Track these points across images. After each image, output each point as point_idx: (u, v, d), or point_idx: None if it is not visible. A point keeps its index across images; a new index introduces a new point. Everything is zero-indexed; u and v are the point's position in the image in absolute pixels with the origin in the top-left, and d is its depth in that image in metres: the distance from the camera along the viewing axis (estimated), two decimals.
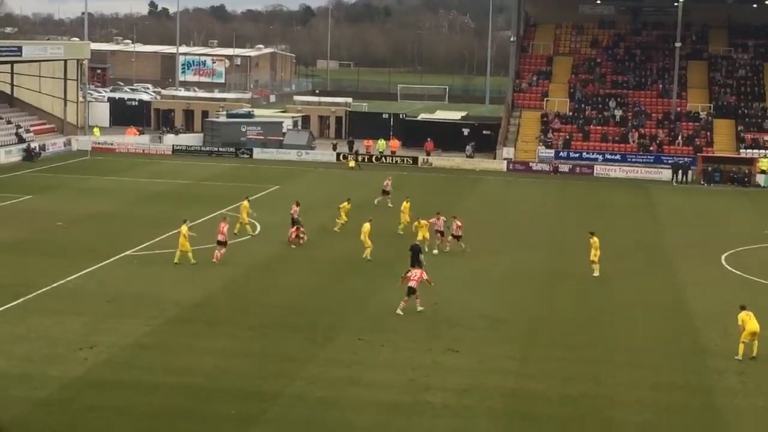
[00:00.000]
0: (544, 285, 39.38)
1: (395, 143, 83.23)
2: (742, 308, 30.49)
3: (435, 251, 43.51)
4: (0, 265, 39.52)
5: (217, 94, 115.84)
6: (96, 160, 74.30)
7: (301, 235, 44.75)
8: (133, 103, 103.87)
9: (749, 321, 29.92)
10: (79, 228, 48.06)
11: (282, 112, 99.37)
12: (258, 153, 79.14)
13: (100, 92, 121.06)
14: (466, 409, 25.59)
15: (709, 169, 73.30)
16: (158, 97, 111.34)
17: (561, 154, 78.00)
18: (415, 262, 37.48)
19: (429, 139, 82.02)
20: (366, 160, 77.65)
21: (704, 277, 41.85)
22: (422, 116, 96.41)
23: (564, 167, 75.75)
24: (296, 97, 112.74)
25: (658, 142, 78.96)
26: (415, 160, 78.23)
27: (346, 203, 48.76)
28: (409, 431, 24.31)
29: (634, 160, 77.08)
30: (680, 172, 72.97)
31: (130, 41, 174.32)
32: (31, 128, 79.14)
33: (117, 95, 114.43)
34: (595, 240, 40.41)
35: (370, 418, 24.88)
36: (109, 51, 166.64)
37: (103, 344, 29.60)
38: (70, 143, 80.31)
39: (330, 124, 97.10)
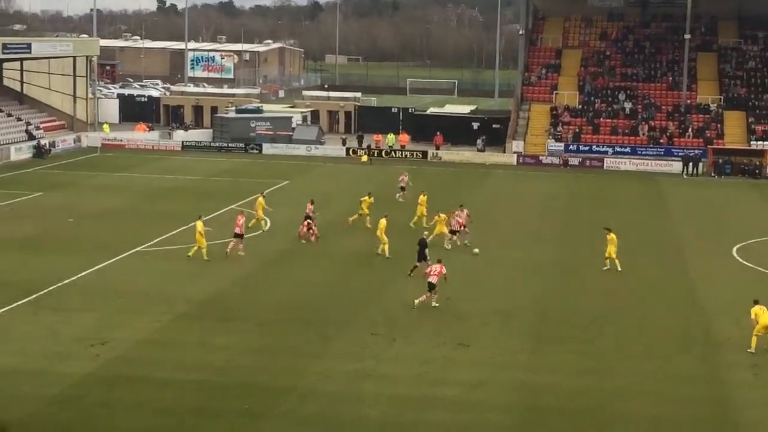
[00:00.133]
0: (555, 278, 39.31)
1: (404, 137, 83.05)
2: (756, 302, 30.46)
3: (448, 246, 43.15)
4: (11, 262, 39.63)
5: (226, 90, 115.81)
6: (106, 157, 74.40)
7: (312, 230, 44.59)
8: (143, 99, 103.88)
9: (762, 315, 29.87)
10: (90, 224, 48.14)
11: (291, 107, 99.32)
12: (267, 148, 79.09)
13: (110, 89, 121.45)
14: (479, 403, 25.57)
15: (720, 161, 73.02)
16: (167, 93, 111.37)
17: (571, 147, 77.81)
18: (422, 257, 37.41)
19: (438, 133, 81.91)
20: (377, 155, 77.64)
21: (716, 269, 41.76)
22: (431, 110, 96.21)
23: (574, 160, 75.61)
24: (305, 92, 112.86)
25: (668, 134, 78.73)
26: (424, 154, 78.18)
27: (367, 197, 48.03)
28: (421, 425, 24.29)
29: (644, 152, 76.88)
30: (691, 164, 72.75)
31: (138, 37, 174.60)
32: (41, 125, 79.27)
33: (126, 91, 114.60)
34: (612, 236, 40.25)
35: (382, 412, 24.86)
36: (117, 47, 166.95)
37: (115, 340, 29.65)
38: (79, 140, 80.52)
39: (339, 119, 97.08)
